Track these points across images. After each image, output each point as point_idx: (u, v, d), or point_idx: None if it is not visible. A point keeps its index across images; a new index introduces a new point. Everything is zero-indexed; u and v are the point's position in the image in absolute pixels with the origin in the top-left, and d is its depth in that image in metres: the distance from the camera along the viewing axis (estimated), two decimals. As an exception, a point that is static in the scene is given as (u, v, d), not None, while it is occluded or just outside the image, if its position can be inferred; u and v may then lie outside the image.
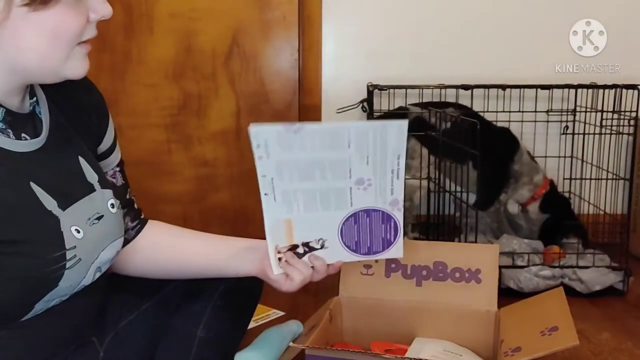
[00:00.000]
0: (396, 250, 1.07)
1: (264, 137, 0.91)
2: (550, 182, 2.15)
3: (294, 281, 1.04)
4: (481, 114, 2.04)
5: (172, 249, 1.11)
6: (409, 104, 2.12)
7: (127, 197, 1.10)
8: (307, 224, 1.01)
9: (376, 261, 1.43)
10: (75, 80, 0.92)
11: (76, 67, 0.87)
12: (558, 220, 2.10)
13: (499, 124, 2.10)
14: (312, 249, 1.04)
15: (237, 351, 1.22)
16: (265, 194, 0.97)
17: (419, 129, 1.99)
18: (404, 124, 0.96)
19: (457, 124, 1.80)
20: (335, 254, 1.05)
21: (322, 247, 1.04)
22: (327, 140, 0.94)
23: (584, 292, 1.83)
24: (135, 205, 1.12)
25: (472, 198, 2.01)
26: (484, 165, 1.87)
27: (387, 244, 1.06)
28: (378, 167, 0.98)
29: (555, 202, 2.13)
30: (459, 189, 1.91)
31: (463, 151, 1.76)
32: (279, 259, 1.03)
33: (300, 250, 1.03)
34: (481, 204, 2.09)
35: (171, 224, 1.15)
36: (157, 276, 1.11)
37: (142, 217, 1.13)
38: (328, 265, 1.06)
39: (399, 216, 1.04)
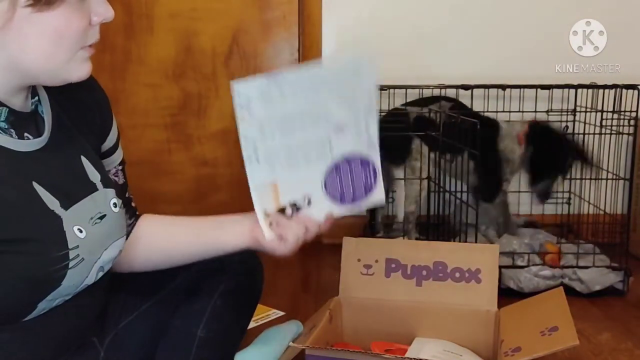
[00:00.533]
0: (378, 193, 1.07)
1: (247, 93, 0.92)
2: (530, 122, 2.07)
3: (288, 242, 1.02)
4: (481, 114, 2.04)
5: (163, 238, 1.12)
6: (401, 105, 2.12)
7: (126, 195, 1.10)
8: (292, 183, 1.02)
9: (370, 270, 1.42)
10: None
11: (78, 71, 0.87)
12: (546, 153, 2.05)
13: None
14: (299, 208, 1.04)
15: (237, 351, 1.22)
16: (247, 157, 0.97)
17: (419, 126, 2.00)
18: (373, 57, 0.97)
19: (458, 125, 1.80)
20: (323, 208, 1.05)
21: (309, 203, 1.04)
22: (305, 84, 0.95)
23: (584, 292, 1.83)
24: (133, 204, 1.12)
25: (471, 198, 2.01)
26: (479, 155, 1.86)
27: (368, 189, 1.06)
28: (352, 107, 0.99)
29: (542, 137, 2.07)
30: (459, 188, 1.91)
31: (460, 140, 1.76)
32: (270, 223, 1.03)
33: (289, 211, 1.03)
34: (487, 196, 2.09)
35: (157, 214, 1.16)
36: (151, 268, 1.12)
37: (137, 213, 1.13)
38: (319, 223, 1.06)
39: (376, 158, 1.05)
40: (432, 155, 2.03)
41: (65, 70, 0.86)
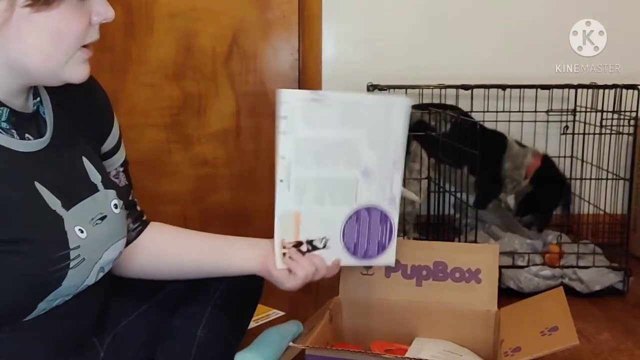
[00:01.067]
0: (389, 256, 1.07)
1: (292, 103, 0.93)
2: (543, 158, 2.12)
3: (297, 277, 1.04)
4: (481, 113, 2.04)
5: (173, 251, 1.11)
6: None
7: (130, 198, 1.10)
8: (314, 220, 1.02)
9: (370, 271, 1.43)
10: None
11: (76, 71, 0.87)
12: (544, 193, 2.09)
13: (499, 124, 2.10)
14: (315, 247, 1.04)
15: (237, 351, 1.22)
16: (280, 181, 0.97)
17: (420, 131, 2.00)
18: (406, 100, 0.97)
19: (457, 125, 1.80)
20: (335, 254, 1.05)
21: (324, 246, 1.04)
22: (346, 110, 0.97)
23: (584, 292, 1.83)
24: (138, 207, 1.11)
25: (471, 199, 2.01)
26: (479, 170, 1.87)
27: (382, 248, 1.06)
28: (382, 154, 0.99)
29: (546, 176, 2.11)
30: (458, 189, 1.91)
31: (460, 155, 1.76)
32: (283, 254, 1.03)
33: (304, 248, 1.04)
34: (480, 204, 2.10)
35: (172, 225, 1.15)
36: (158, 277, 1.11)
37: (144, 219, 1.13)
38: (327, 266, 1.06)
39: (395, 217, 1.05)
40: (431, 160, 2.03)
41: (64, 71, 0.86)
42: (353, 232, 1.04)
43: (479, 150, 1.72)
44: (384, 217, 1.04)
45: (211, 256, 1.09)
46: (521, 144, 2.15)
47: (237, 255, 1.08)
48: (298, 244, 1.03)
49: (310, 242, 1.04)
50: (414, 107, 2.10)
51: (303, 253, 1.04)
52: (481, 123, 2.06)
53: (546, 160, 2.13)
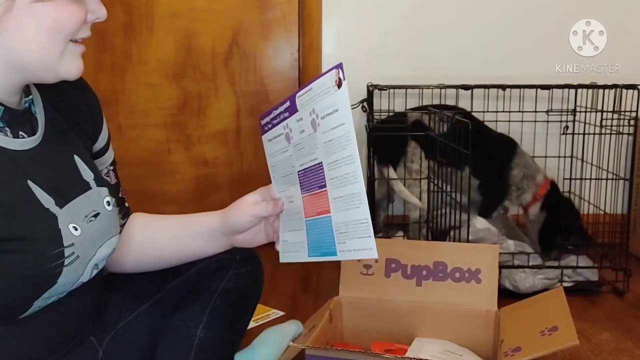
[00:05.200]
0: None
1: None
2: (551, 182, 2.15)
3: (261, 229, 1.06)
4: (481, 113, 2.04)
5: (152, 233, 1.13)
6: (407, 109, 2.13)
7: (120, 195, 1.11)
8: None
9: (370, 271, 1.43)
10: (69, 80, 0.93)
11: (70, 65, 0.88)
12: (557, 219, 2.10)
13: (499, 124, 2.11)
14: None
15: (237, 351, 1.22)
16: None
17: (417, 132, 2.00)
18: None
19: (454, 125, 1.80)
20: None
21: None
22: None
23: (584, 291, 1.83)
24: (126, 204, 1.13)
25: (473, 202, 2.01)
26: (484, 173, 1.86)
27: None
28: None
29: (555, 202, 2.12)
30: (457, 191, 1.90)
31: (459, 156, 1.75)
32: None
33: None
34: (483, 212, 2.09)
35: (147, 213, 1.17)
36: (150, 266, 1.12)
37: (130, 214, 1.14)
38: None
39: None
40: (428, 160, 2.03)
41: (60, 64, 0.86)
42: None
43: (470, 150, 1.72)
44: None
45: (185, 228, 1.12)
46: (531, 158, 2.15)
47: (204, 218, 1.11)
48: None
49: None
50: (413, 109, 2.11)
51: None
52: (488, 125, 2.07)
53: (553, 186, 2.15)
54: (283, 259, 1.05)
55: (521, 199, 2.12)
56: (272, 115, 1.04)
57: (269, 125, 1.05)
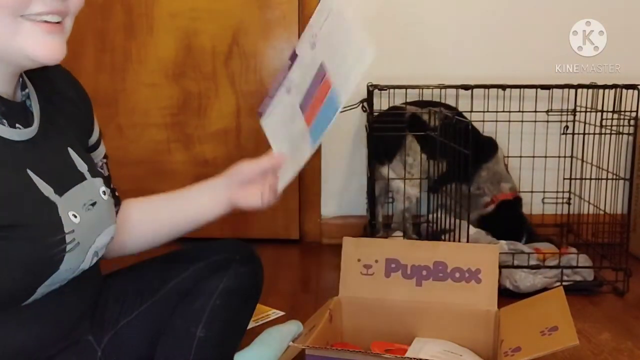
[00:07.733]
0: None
1: None
2: (516, 197, 2.17)
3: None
4: (481, 113, 2.04)
5: (147, 211, 1.18)
6: (401, 103, 2.12)
7: (111, 186, 1.13)
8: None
9: (370, 270, 1.43)
10: (60, 74, 0.98)
11: (35, 45, 0.83)
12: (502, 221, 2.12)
13: (499, 124, 2.10)
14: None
15: (237, 351, 1.22)
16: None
17: (413, 125, 2.00)
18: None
19: (443, 121, 1.80)
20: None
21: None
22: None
23: (583, 291, 1.83)
24: (117, 193, 1.15)
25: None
26: (455, 158, 1.86)
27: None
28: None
29: (511, 208, 2.14)
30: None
31: (459, 155, 1.75)
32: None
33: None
34: (433, 188, 2.12)
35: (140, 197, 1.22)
36: (145, 245, 1.17)
37: (120, 202, 1.17)
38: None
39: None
40: (424, 155, 2.03)
41: (19, 45, 0.82)
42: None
43: (470, 147, 1.72)
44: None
45: (184, 190, 1.20)
46: (506, 168, 2.18)
47: (203, 200, 1.18)
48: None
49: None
50: (409, 103, 2.11)
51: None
52: (473, 125, 2.06)
53: (517, 199, 2.17)
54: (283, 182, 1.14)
55: (478, 201, 2.13)
56: (269, 95, 1.14)
57: (265, 104, 1.15)
